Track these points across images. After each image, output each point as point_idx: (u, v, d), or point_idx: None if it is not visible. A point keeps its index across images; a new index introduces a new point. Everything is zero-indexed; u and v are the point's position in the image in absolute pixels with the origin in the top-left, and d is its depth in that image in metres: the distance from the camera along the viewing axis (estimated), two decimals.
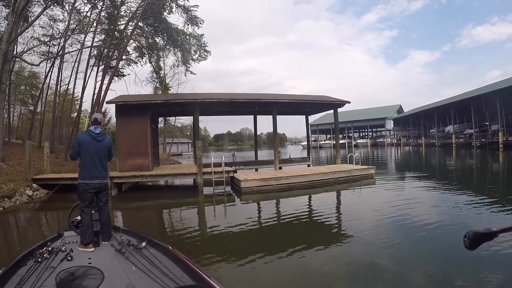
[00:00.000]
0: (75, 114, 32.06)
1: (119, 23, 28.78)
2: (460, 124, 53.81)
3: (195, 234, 8.73)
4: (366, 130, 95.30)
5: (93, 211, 5.08)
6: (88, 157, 5.16)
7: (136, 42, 30.51)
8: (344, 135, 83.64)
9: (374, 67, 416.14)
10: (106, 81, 26.69)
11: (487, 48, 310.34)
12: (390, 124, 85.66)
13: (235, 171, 16.69)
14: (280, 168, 20.19)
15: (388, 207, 10.76)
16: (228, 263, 6.19)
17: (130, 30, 27.68)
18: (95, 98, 27.61)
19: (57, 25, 27.69)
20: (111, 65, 28.20)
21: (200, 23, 29.48)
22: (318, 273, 5.69)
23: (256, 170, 21.65)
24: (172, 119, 44.73)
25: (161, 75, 35.27)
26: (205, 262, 6.16)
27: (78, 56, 27.49)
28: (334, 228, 9.17)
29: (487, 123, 47.57)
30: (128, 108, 16.65)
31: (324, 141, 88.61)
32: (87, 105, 33.67)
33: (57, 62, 27.13)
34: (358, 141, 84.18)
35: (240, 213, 11.46)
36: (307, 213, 11.12)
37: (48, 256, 3.84)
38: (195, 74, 33.02)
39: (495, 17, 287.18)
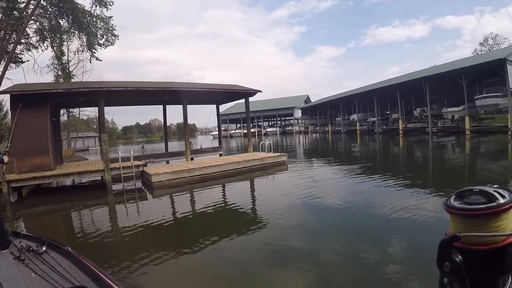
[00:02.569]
0: None
1: (19, 0, 25.53)
2: (364, 113, 57.56)
3: (106, 235, 8.07)
4: (275, 119, 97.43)
5: None
6: None
7: (38, 24, 27.34)
8: (254, 124, 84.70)
9: (282, 60, 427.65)
10: (1, 69, 24.06)
11: (388, 47, 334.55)
12: (298, 113, 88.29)
13: (145, 165, 15.92)
14: (192, 159, 19.75)
15: (300, 191, 11.28)
16: (145, 263, 5.86)
17: (31, 9, 24.73)
18: None
19: None
20: (8, 50, 25.35)
21: (110, 5, 27.55)
22: (239, 260, 5.95)
23: (167, 162, 20.98)
24: (76, 111, 42.11)
25: (64, 62, 32.37)
26: (119, 264, 5.83)
27: None
28: (251, 215, 9.36)
29: (388, 112, 52.19)
30: (25, 98, 14.54)
31: (235, 130, 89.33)
32: None
33: None
34: (268, 129, 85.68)
35: (153, 209, 10.90)
36: (222, 203, 11.07)
37: None
38: (101, 60, 30.88)
39: (397, 21, 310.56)
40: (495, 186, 0.95)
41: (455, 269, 0.85)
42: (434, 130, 38.04)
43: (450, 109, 39.30)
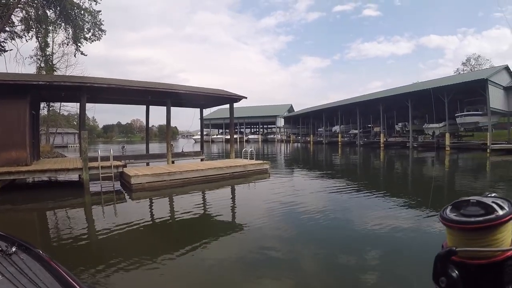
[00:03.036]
0: None
1: None
2: (346, 125, 57.75)
3: (81, 238, 7.77)
4: (258, 126, 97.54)
5: None
6: None
7: (24, 12, 26.55)
8: (237, 130, 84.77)
9: (267, 68, 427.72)
10: None
11: (372, 61, 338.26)
12: (281, 122, 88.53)
13: (124, 166, 15.61)
14: (173, 162, 19.52)
15: (281, 199, 11.32)
16: (120, 268, 5.63)
17: None
18: None
19: None
20: None
21: None
22: (217, 266, 5.87)
23: (148, 164, 20.64)
24: (57, 106, 41.12)
25: (48, 54, 31.57)
26: (92, 269, 5.58)
27: None
28: (231, 222, 9.36)
29: (371, 125, 52.85)
30: (3, 88, 14.30)
31: (216, 135, 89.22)
32: None
33: None
34: (250, 136, 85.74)
35: (131, 212, 10.55)
36: (203, 208, 10.94)
37: None
38: (86, 55, 30.37)
39: (382, 37, 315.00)
40: (492, 195, 0.90)
41: (451, 284, 0.79)
42: (415, 145, 38.58)
43: (431, 125, 39.91)
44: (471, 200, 0.87)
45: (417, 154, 33.54)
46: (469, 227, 0.82)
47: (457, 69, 79.66)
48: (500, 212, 0.81)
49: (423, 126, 41.30)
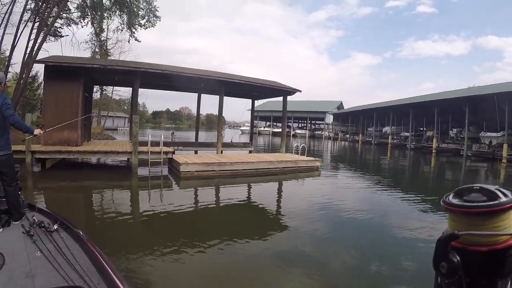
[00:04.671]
0: None
1: None
2: (397, 126, 55.69)
3: (123, 220, 7.89)
4: (305, 121, 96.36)
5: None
6: None
7: (80, 0, 27.04)
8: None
9: (316, 62, 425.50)
10: (39, 40, 23.60)
11: (425, 61, 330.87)
12: (329, 119, 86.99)
13: (173, 152, 15.53)
14: (221, 152, 19.22)
15: (329, 202, 10.92)
16: (155, 256, 5.69)
17: None
18: (25, 59, 23.99)
19: None
20: (48, 22, 24.91)
21: None
22: (250, 262, 5.87)
23: (196, 152, 20.56)
24: (109, 90, 42.04)
25: (102, 39, 32.42)
26: (128, 253, 5.67)
27: (10, 7, 23.68)
28: (275, 219, 9.15)
29: (423, 129, 50.83)
30: (60, 70, 14.73)
31: (264, 127, 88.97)
32: (17, 68, 29.17)
33: None
34: (297, 131, 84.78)
35: (176, 200, 10.53)
36: (248, 202, 10.88)
37: None
38: (140, 41, 30.58)
39: (436, 35, 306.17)
40: (495, 186, 0.83)
41: (452, 270, 0.77)
42: (469, 154, 36.39)
43: (488, 134, 37.75)
44: (474, 187, 0.83)
45: (470, 163, 31.67)
46: (472, 211, 0.78)
47: None
48: (503, 199, 0.77)
49: (480, 134, 38.94)
